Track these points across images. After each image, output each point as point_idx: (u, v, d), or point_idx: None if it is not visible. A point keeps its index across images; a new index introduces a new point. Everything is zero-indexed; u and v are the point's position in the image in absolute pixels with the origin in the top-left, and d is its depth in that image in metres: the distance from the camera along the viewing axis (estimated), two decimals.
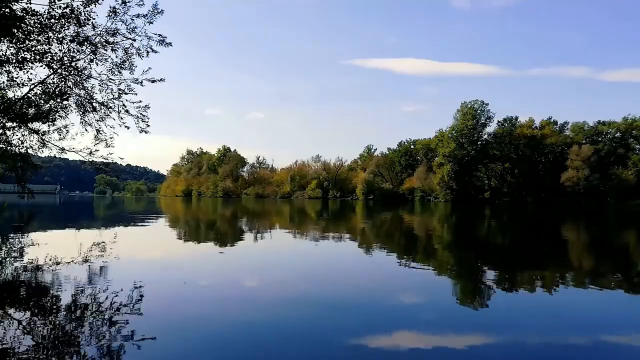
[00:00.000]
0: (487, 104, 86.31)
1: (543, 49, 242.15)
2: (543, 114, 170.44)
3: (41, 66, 10.83)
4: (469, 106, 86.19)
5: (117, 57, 11.40)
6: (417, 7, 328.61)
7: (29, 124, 11.63)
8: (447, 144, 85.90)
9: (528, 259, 9.62)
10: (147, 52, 11.38)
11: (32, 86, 11.11)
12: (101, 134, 12.08)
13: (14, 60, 10.37)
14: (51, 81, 11.32)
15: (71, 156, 18.99)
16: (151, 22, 11.08)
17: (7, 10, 9.62)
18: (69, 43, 10.77)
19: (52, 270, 7.01)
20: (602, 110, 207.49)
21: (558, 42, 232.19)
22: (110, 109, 11.90)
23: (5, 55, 10.29)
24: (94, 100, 11.86)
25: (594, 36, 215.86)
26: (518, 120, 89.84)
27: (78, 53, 11.08)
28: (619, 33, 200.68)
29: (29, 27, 10.06)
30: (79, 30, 10.66)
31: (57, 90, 11.39)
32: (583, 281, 7.18)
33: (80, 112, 11.93)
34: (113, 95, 11.77)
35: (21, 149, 11.95)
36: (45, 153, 12.47)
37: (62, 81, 11.41)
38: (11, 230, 14.18)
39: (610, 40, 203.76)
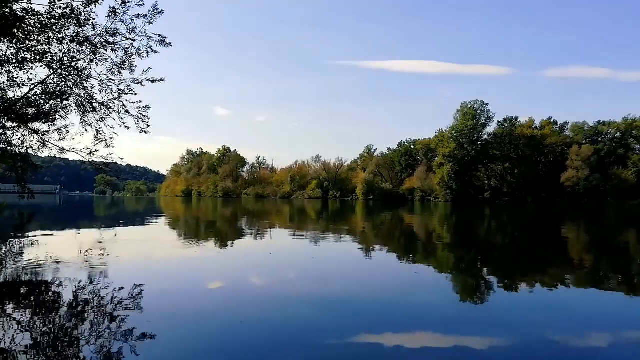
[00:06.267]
0: (487, 104, 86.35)
1: (543, 49, 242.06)
2: (543, 114, 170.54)
3: (41, 66, 10.83)
4: (469, 106, 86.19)
5: (117, 57, 11.41)
6: (418, 6, 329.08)
7: (29, 124, 11.63)
8: (447, 144, 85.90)
9: (528, 259, 9.64)
10: (147, 52, 11.38)
11: (32, 86, 11.12)
12: (101, 134, 12.07)
13: (14, 60, 10.38)
14: (51, 81, 11.32)
15: (71, 156, 18.87)
16: (151, 22, 11.08)
17: (7, 10, 9.63)
18: (69, 43, 10.78)
19: (53, 269, 7.02)
20: (602, 110, 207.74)
21: (557, 42, 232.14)
22: (110, 109, 11.90)
23: (5, 55, 10.30)
24: (94, 101, 11.86)
25: (593, 36, 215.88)
26: (518, 120, 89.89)
27: (78, 53, 11.09)
28: (618, 33, 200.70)
29: (29, 27, 10.07)
30: (79, 30, 10.67)
31: (57, 90, 11.39)
32: (583, 280, 7.18)
33: (80, 112, 11.93)
34: (113, 96, 11.77)
35: (21, 149, 11.95)
36: (45, 153, 12.46)
37: (62, 81, 11.42)
38: (11, 230, 14.19)
39: (609, 41, 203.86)
